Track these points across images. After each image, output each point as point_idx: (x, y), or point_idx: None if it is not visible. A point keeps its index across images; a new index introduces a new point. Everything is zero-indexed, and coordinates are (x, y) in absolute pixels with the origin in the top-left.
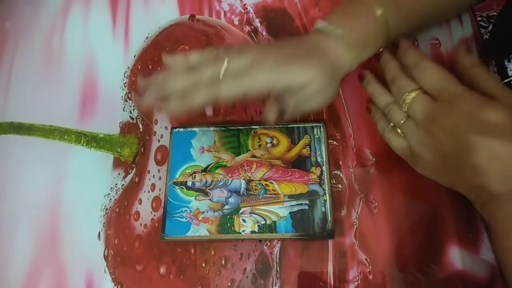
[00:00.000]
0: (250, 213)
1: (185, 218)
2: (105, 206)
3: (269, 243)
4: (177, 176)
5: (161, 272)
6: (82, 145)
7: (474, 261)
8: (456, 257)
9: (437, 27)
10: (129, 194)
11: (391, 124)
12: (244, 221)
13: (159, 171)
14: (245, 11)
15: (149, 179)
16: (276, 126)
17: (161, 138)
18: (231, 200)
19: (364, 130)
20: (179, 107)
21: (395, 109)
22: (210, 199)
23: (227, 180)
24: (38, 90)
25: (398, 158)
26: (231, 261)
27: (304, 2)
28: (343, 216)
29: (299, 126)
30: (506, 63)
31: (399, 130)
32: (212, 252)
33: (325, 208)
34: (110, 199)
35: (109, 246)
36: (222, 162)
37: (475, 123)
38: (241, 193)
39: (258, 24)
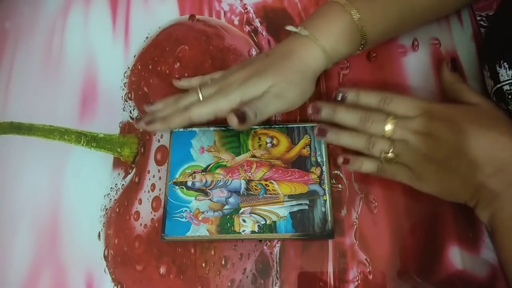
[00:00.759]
0: (250, 213)
1: (185, 218)
2: (105, 206)
3: (269, 243)
4: (177, 176)
5: (161, 272)
6: (82, 145)
7: (474, 261)
8: (456, 257)
9: (437, 27)
10: (129, 194)
11: (383, 155)
12: (244, 221)
13: (159, 171)
14: (245, 11)
15: (149, 179)
16: (276, 126)
17: (161, 138)
18: (231, 200)
19: None
20: (161, 127)
21: (379, 140)
22: (210, 199)
23: (227, 180)
24: (38, 90)
25: None
26: (231, 261)
27: (304, 2)
28: (343, 216)
29: (299, 126)
30: (498, 68)
31: (390, 155)
32: (212, 252)
33: (325, 208)
34: (110, 199)
35: (109, 246)
36: (222, 162)
37: (456, 124)
38: (241, 193)
39: (258, 24)
